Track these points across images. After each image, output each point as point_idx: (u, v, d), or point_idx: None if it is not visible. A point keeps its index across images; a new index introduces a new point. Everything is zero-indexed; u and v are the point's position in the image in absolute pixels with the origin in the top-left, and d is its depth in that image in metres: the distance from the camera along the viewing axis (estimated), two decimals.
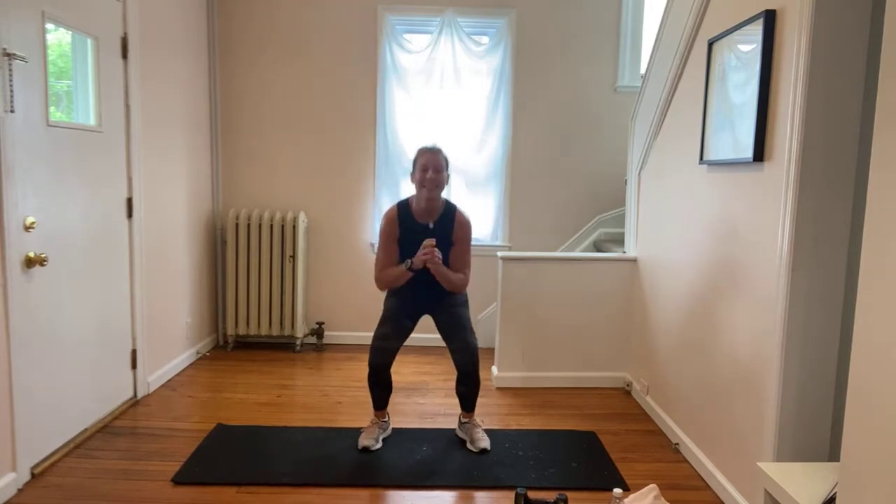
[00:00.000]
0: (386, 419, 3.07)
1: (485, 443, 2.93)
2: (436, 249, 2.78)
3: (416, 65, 4.50)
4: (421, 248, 2.79)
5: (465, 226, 2.93)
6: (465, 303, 3.03)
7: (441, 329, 2.99)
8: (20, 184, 2.50)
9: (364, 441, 2.92)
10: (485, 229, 4.70)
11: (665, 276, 3.33)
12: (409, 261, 2.85)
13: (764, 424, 2.29)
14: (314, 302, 4.70)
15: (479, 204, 4.67)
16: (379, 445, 2.95)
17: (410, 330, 3.00)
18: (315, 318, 4.71)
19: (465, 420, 3.06)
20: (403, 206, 2.94)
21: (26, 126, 2.54)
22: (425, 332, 4.70)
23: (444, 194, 2.95)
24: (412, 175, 2.89)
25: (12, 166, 2.44)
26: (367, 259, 4.66)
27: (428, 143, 2.94)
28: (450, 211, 2.93)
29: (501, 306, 3.84)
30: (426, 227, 2.89)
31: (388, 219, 2.92)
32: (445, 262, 2.89)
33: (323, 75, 4.52)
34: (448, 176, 2.90)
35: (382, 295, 4.70)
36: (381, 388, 2.99)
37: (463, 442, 3.02)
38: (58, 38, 2.86)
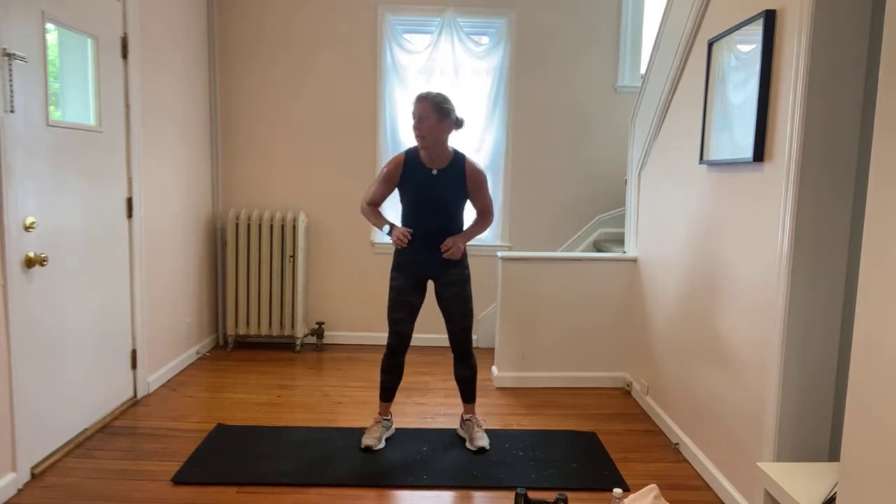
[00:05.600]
0: (389, 417, 3.07)
1: (483, 441, 2.94)
2: (455, 247, 2.84)
3: (417, 65, 4.50)
4: (442, 249, 2.86)
5: (478, 175, 2.91)
6: (467, 279, 3.00)
7: (441, 304, 3.00)
8: (20, 184, 2.50)
9: (367, 440, 2.92)
10: None
11: (665, 276, 3.33)
12: (389, 226, 2.91)
13: (764, 424, 2.29)
14: (314, 302, 4.70)
15: None
16: (381, 445, 2.95)
17: (420, 304, 3.01)
18: (315, 318, 4.71)
19: (467, 417, 3.06)
20: (412, 151, 2.94)
21: (26, 126, 2.54)
22: (425, 332, 4.71)
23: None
24: None
25: (12, 166, 2.44)
26: (368, 259, 4.66)
27: (424, 91, 2.91)
28: (458, 161, 2.90)
29: (501, 306, 3.84)
30: (430, 174, 2.87)
31: (394, 161, 2.93)
32: (457, 214, 2.93)
33: (323, 75, 4.52)
34: (449, 123, 2.83)
35: (382, 294, 4.71)
36: (393, 373, 3.01)
37: (463, 441, 3.02)
38: (53, 37, 2.85)
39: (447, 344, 4.70)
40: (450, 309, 2.97)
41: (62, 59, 2.91)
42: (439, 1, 4.44)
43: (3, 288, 2.42)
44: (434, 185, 2.87)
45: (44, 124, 2.65)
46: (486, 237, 4.67)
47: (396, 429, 3.15)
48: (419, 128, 2.79)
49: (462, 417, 3.09)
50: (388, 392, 3.04)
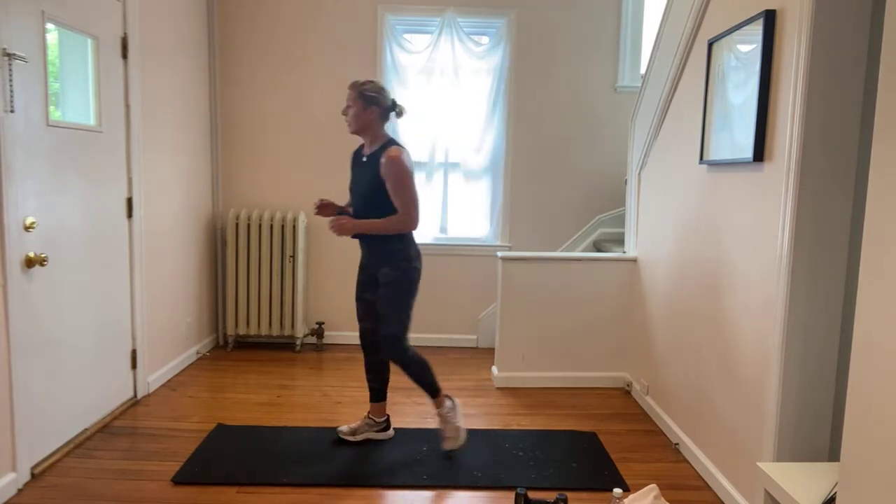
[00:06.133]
0: (380, 418, 3.04)
1: (449, 444, 2.87)
2: (339, 219, 2.70)
3: (417, 65, 4.51)
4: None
5: (390, 162, 2.68)
6: (399, 282, 2.77)
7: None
8: (20, 184, 2.50)
9: (341, 427, 3.00)
10: (484, 229, 4.70)
11: (665, 276, 3.33)
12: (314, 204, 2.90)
13: (764, 424, 2.29)
14: (314, 302, 4.70)
15: (478, 203, 4.68)
16: (354, 438, 2.98)
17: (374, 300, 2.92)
18: (315, 318, 4.71)
19: (435, 412, 2.97)
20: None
21: (26, 126, 2.54)
22: (424, 331, 4.71)
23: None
24: None
25: (12, 166, 2.44)
26: None
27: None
28: (382, 149, 2.75)
29: (501, 306, 3.84)
30: (361, 160, 2.84)
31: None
32: (376, 204, 2.75)
33: (323, 75, 4.52)
34: (376, 109, 2.74)
35: None
36: (371, 372, 3.02)
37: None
38: (52, 37, 2.85)
39: (446, 344, 4.72)
40: (376, 311, 2.90)
41: (62, 59, 2.91)
42: (439, 1, 4.44)
43: (3, 288, 2.42)
44: (358, 173, 2.85)
45: (44, 124, 2.65)
46: (486, 237, 4.68)
47: (396, 429, 3.15)
48: (345, 114, 2.80)
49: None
50: (372, 392, 3.04)
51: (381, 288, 2.79)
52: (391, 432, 3.09)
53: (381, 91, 2.78)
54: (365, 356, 3.02)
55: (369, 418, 3.03)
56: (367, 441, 3.01)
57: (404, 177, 2.70)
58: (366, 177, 2.77)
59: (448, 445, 2.88)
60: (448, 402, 2.92)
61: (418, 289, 2.87)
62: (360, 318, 2.98)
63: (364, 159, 2.81)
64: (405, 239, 2.80)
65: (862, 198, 2.12)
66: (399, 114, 2.85)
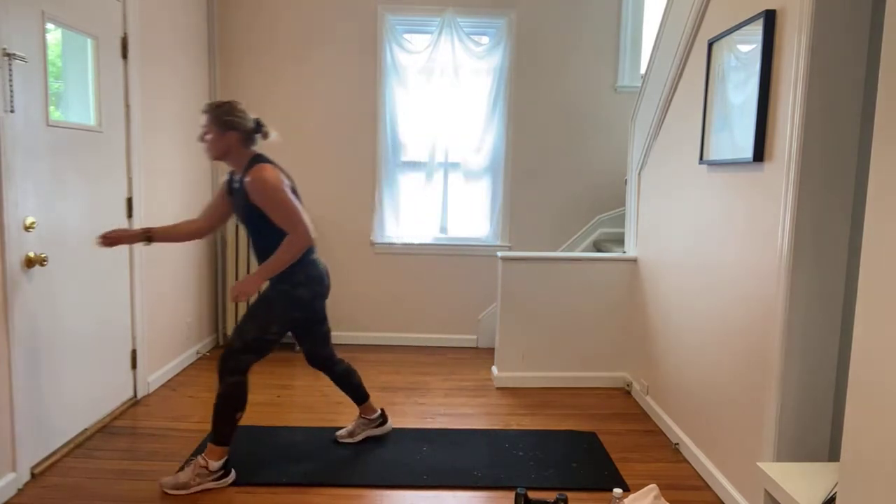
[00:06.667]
0: (375, 415, 3.01)
1: (166, 481, 2.52)
2: (236, 288, 2.44)
3: (417, 65, 4.51)
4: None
5: (255, 185, 2.44)
6: (267, 300, 2.56)
7: None
8: (20, 184, 2.50)
9: (339, 432, 3.00)
10: (484, 229, 4.70)
11: (665, 275, 3.33)
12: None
13: (764, 424, 2.29)
14: None
15: (478, 203, 4.68)
16: (353, 440, 2.97)
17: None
18: None
19: (200, 456, 2.57)
20: None
21: (26, 126, 2.54)
22: (424, 331, 4.71)
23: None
24: None
25: (12, 166, 2.44)
26: (368, 259, 4.66)
27: (210, 102, 2.63)
28: (246, 169, 2.52)
29: (501, 306, 3.84)
30: (234, 185, 2.61)
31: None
32: (258, 230, 2.55)
33: (323, 75, 4.52)
34: (235, 133, 2.52)
35: (382, 294, 4.71)
36: (339, 386, 2.96)
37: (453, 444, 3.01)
38: (53, 37, 2.85)
39: (446, 344, 4.72)
40: (310, 331, 2.80)
41: (62, 58, 2.91)
42: (439, 1, 4.44)
43: (3, 288, 2.42)
44: (234, 202, 2.62)
45: (44, 124, 2.65)
46: (486, 237, 4.68)
47: (397, 429, 3.15)
48: (203, 140, 2.57)
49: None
50: (352, 399, 3.00)
51: (261, 295, 2.59)
52: (389, 425, 3.08)
53: (239, 113, 2.55)
54: (327, 375, 2.94)
55: (363, 418, 3.02)
56: (367, 439, 3.01)
57: (274, 195, 2.44)
58: (240, 205, 2.55)
59: (164, 481, 2.52)
60: (216, 466, 2.53)
61: (297, 314, 2.59)
62: (298, 342, 2.86)
63: (236, 186, 2.58)
64: (296, 262, 2.55)
65: (862, 198, 2.12)
66: (265, 136, 2.63)
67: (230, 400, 2.52)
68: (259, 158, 2.57)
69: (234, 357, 2.52)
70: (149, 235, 2.64)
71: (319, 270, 2.66)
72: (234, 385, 2.52)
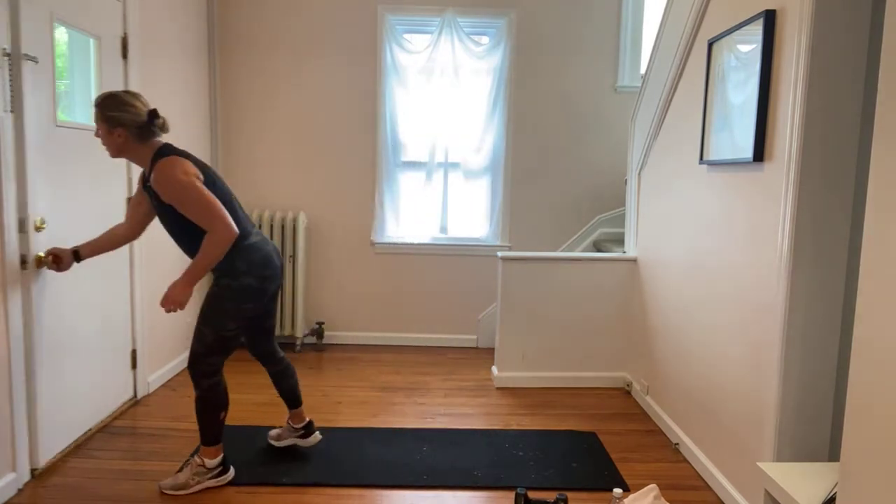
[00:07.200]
0: (300, 425, 2.85)
1: (165, 482, 2.52)
2: (167, 297, 2.32)
3: (417, 65, 4.51)
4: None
5: (160, 181, 2.26)
6: (213, 297, 2.42)
7: None
8: (31, 184, 2.52)
9: (270, 431, 2.95)
10: (484, 229, 4.70)
11: (665, 275, 3.33)
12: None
13: (764, 424, 2.29)
14: (314, 302, 4.70)
15: (478, 203, 4.68)
16: (279, 443, 2.88)
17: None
18: (315, 318, 4.71)
19: (196, 456, 2.57)
20: None
21: (36, 126, 2.55)
22: (424, 331, 4.71)
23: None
24: None
25: (25, 167, 2.47)
26: (368, 259, 4.66)
27: (99, 94, 2.38)
28: (152, 165, 2.34)
29: (501, 306, 3.84)
30: (147, 184, 2.42)
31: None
32: (178, 230, 2.39)
33: (323, 75, 4.52)
34: (124, 129, 2.30)
35: (382, 294, 4.71)
36: (274, 384, 2.82)
37: (463, 442, 3.01)
38: (57, 37, 2.85)
39: (446, 344, 4.72)
40: (249, 324, 2.68)
41: (71, 60, 2.91)
42: (439, 1, 4.44)
43: (4, 288, 2.42)
44: (151, 199, 2.42)
45: (52, 125, 2.67)
46: (485, 237, 4.68)
47: (397, 429, 3.15)
48: (100, 138, 2.36)
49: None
50: (284, 401, 2.85)
51: (210, 291, 2.45)
52: (315, 437, 2.88)
53: (126, 107, 2.30)
54: (266, 369, 2.81)
55: (289, 424, 2.88)
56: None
57: (183, 190, 2.25)
58: (156, 206, 2.38)
59: (163, 483, 2.52)
60: (213, 463, 2.52)
61: (250, 305, 2.45)
62: (241, 332, 2.60)
63: (148, 184, 2.39)
64: (232, 252, 2.40)
65: (862, 198, 2.12)
66: (162, 128, 2.40)
67: (210, 403, 2.48)
68: (163, 151, 2.34)
69: (200, 361, 2.44)
70: (76, 252, 2.56)
71: (263, 253, 2.47)
72: (210, 388, 2.47)
